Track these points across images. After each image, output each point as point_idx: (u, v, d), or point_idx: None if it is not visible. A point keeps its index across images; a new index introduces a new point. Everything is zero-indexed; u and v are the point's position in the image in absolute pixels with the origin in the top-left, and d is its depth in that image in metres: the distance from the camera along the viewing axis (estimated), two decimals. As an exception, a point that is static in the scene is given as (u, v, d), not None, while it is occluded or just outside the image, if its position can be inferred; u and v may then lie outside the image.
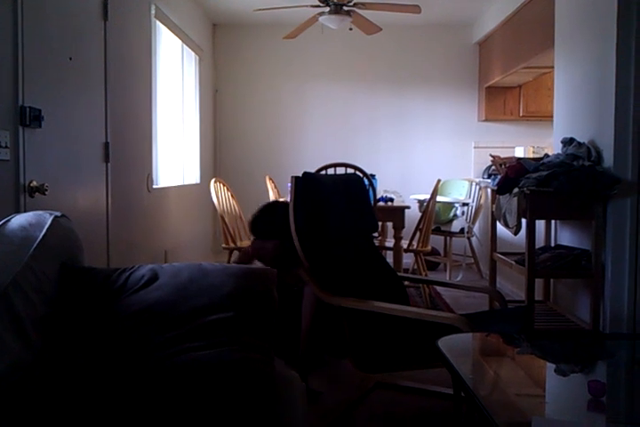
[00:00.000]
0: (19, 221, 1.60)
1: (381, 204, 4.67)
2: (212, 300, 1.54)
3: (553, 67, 4.28)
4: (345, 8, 5.01)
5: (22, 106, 2.39)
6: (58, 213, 1.69)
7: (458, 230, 5.99)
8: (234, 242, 4.71)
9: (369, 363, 2.43)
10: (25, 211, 2.32)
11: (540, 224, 4.05)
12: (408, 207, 4.69)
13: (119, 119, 3.50)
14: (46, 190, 2.47)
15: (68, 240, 1.69)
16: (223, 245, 4.74)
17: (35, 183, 2.45)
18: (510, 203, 3.65)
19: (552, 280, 4.09)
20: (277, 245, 2.83)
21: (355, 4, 5.02)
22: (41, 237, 1.55)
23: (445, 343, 1.95)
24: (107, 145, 3.29)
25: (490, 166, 5.96)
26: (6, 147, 2.28)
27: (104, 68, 3.27)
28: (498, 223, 4.05)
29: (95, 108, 3.19)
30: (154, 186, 4.28)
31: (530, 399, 1.76)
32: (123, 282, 1.59)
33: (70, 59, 2.85)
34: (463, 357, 2.08)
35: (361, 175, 3.77)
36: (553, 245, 4.01)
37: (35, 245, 1.52)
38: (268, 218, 2.96)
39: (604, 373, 2.11)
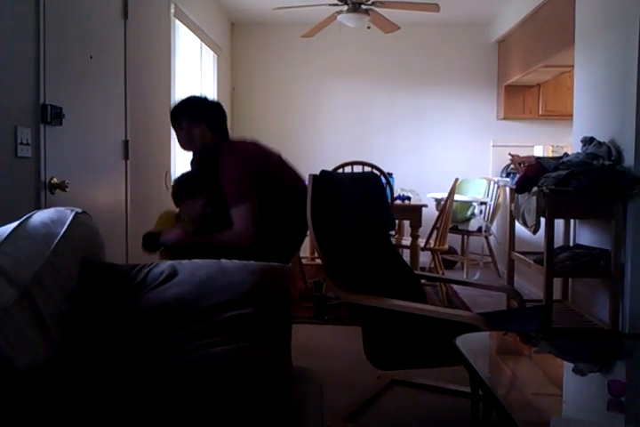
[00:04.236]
0: (40, 217, 1.62)
1: (398, 202, 4.67)
2: (230, 297, 1.54)
3: (573, 65, 4.25)
4: (363, 6, 5.01)
5: (44, 104, 2.42)
6: (79, 210, 1.71)
7: (475, 229, 5.97)
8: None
9: (385, 360, 2.43)
10: (46, 207, 2.34)
11: (559, 223, 4.02)
12: (425, 206, 4.69)
13: (139, 117, 3.53)
14: (67, 187, 2.50)
15: (88, 236, 1.71)
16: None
17: (55, 180, 2.47)
18: (529, 202, 3.63)
19: (570, 280, 4.06)
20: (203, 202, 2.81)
21: (373, 3, 5.02)
22: (62, 233, 1.57)
23: (463, 342, 1.95)
24: (126, 142, 3.31)
25: (508, 165, 5.94)
26: (28, 144, 2.31)
27: (124, 66, 3.30)
28: (516, 222, 4.03)
29: (115, 105, 3.22)
30: (172, 183, 4.30)
31: (548, 399, 1.75)
32: (142, 278, 1.60)
33: (91, 57, 2.88)
34: (481, 355, 2.08)
35: (378, 173, 3.78)
36: (572, 244, 3.98)
37: (56, 241, 1.54)
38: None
39: (624, 373, 2.09)
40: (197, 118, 2.77)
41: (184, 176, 2.92)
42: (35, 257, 1.46)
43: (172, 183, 2.99)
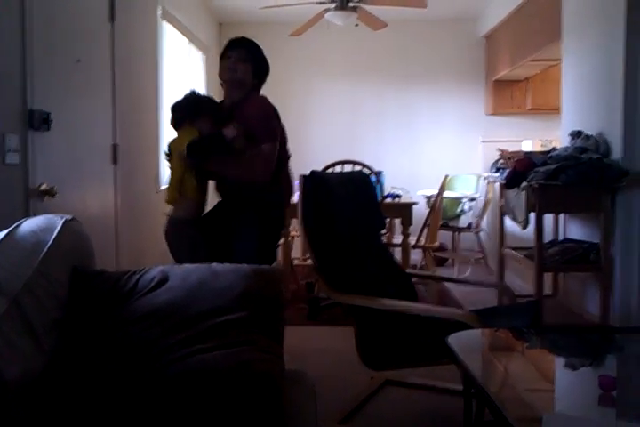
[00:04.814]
0: (29, 225, 1.61)
1: (389, 200, 4.67)
2: (222, 301, 1.55)
3: (560, 59, 4.27)
4: (351, 4, 5.01)
5: (31, 109, 2.40)
6: (68, 217, 1.70)
7: (466, 225, 5.98)
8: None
9: (378, 360, 2.44)
10: (35, 214, 2.33)
11: (549, 218, 4.05)
12: (415, 203, 4.69)
13: (127, 121, 3.52)
14: (56, 193, 2.48)
15: (78, 244, 1.71)
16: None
17: (44, 186, 2.45)
18: (519, 197, 3.65)
19: (561, 274, 4.08)
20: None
21: (360, 0, 5.01)
22: (52, 241, 1.57)
23: (455, 340, 1.95)
24: (115, 147, 3.30)
25: (498, 160, 5.94)
26: (16, 151, 2.30)
27: (111, 69, 3.28)
28: (506, 218, 4.05)
29: (103, 109, 3.21)
30: (161, 187, 4.29)
31: (540, 395, 1.77)
32: (133, 285, 1.60)
33: (78, 61, 2.86)
34: (473, 353, 2.09)
35: (368, 172, 3.78)
36: (561, 238, 4.00)
37: (45, 249, 1.54)
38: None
39: (614, 367, 2.11)
40: (250, 58, 2.98)
41: (182, 102, 3.00)
42: (24, 266, 1.46)
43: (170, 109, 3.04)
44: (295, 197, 3.35)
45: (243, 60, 2.96)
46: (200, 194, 2.91)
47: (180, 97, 3.05)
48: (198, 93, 3.03)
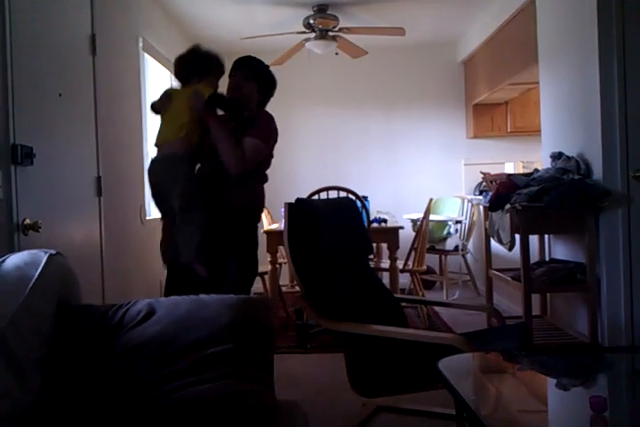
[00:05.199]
0: (14, 260, 1.60)
1: (375, 225, 4.69)
2: (210, 332, 1.54)
3: (538, 82, 4.33)
4: (330, 33, 5.10)
5: (14, 144, 2.40)
6: (52, 251, 1.69)
7: (452, 248, 6.00)
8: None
9: (370, 387, 2.42)
10: (19, 249, 2.31)
11: (534, 239, 4.07)
12: (402, 228, 4.70)
13: (111, 153, 3.52)
14: (40, 228, 2.46)
15: (63, 278, 1.70)
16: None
17: (28, 221, 2.44)
18: (503, 219, 3.67)
19: (549, 294, 4.09)
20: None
21: (340, 29, 5.10)
22: (36, 276, 1.56)
23: (446, 365, 1.94)
24: (99, 179, 3.30)
25: (481, 183, 6.00)
26: (-1, 186, 2.29)
27: (94, 102, 3.30)
28: (492, 240, 4.07)
29: (86, 142, 3.21)
30: (147, 217, 4.28)
31: (532, 417, 1.75)
32: (120, 318, 1.59)
33: (60, 95, 2.87)
34: (464, 377, 2.08)
35: (354, 198, 3.80)
36: (547, 259, 4.02)
37: (30, 285, 1.52)
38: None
39: (605, 387, 2.10)
40: (253, 76, 3.12)
41: (191, 55, 3.19)
42: (9, 302, 1.45)
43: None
44: (281, 225, 3.36)
45: (246, 79, 3.10)
46: (201, 141, 2.95)
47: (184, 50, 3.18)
48: (206, 49, 3.16)
